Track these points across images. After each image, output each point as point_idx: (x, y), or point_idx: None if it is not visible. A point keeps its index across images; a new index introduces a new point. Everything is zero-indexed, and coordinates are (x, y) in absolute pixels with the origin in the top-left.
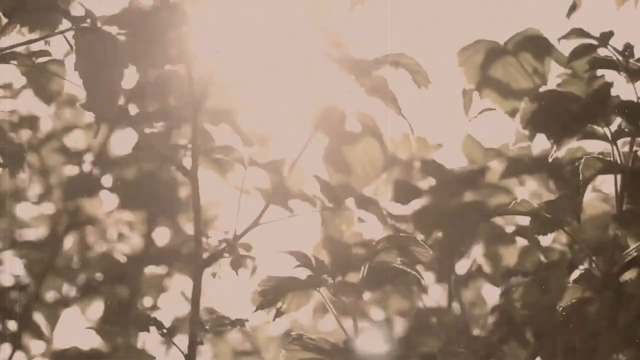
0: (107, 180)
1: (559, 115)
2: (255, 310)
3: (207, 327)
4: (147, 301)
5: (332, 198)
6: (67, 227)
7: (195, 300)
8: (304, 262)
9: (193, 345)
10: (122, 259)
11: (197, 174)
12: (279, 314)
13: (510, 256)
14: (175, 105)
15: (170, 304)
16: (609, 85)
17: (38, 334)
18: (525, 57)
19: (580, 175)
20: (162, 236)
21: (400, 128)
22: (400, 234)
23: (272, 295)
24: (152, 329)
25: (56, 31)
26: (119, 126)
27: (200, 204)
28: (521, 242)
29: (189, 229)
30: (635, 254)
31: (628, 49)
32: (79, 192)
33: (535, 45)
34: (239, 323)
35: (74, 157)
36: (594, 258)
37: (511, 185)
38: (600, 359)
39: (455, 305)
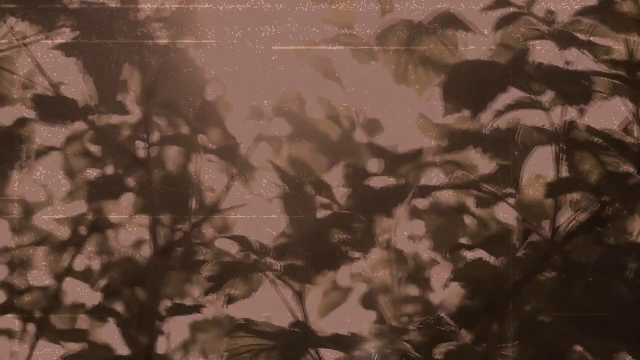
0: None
1: (474, 84)
2: (204, 296)
3: (164, 315)
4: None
5: (290, 184)
6: (89, 230)
7: (151, 289)
8: (246, 246)
9: (153, 335)
10: (143, 263)
11: (151, 163)
12: (230, 300)
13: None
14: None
15: None
16: (526, 51)
17: (55, 338)
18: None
19: (519, 146)
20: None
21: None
22: (343, 212)
23: (218, 280)
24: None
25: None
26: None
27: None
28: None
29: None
30: (577, 222)
31: (550, 14)
32: (102, 195)
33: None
34: (196, 310)
35: (98, 159)
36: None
37: (465, 160)
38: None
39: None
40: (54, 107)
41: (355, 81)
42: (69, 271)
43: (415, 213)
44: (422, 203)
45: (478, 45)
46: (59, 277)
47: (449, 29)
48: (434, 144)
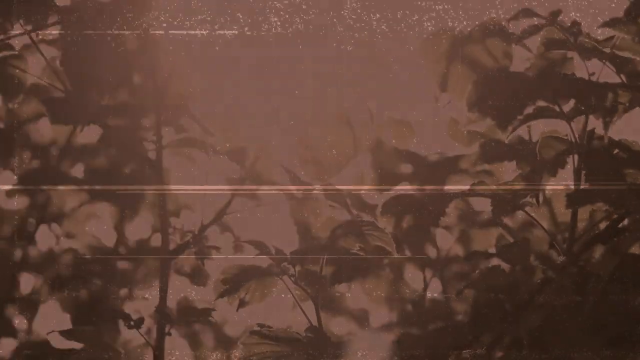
0: (76, 171)
1: (502, 95)
2: (216, 299)
3: (173, 319)
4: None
5: (300, 188)
6: (37, 221)
7: (162, 292)
8: (262, 250)
9: (161, 337)
10: (89, 254)
11: (162, 166)
12: (242, 303)
13: (483, 239)
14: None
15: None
16: (554, 62)
17: (9, 330)
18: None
19: (538, 156)
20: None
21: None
22: (360, 220)
23: (233, 283)
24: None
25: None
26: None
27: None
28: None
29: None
30: (595, 231)
31: (575, 26)
32: (45, 185)
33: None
34: (207, 313)
35: (40, 150)
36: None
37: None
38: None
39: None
40: (64, 108)
41: (383, 84)
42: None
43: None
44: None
45: (519, 56)
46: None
47: (495, 39)
48: (464, 150)
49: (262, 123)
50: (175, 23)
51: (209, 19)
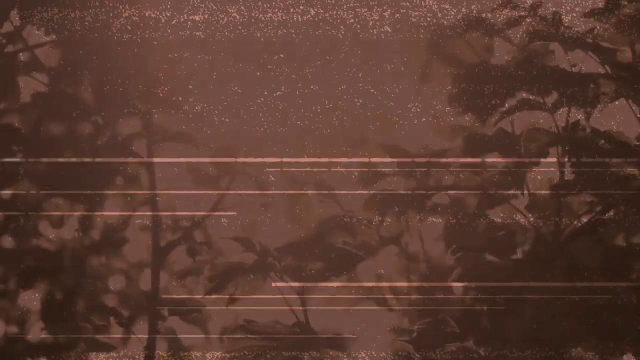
0: (40, 167)
1: (483, 88)
2: (205, 295)
3: (165, 315)
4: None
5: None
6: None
7: (153, 288)
8: (247, 246)
9: (153, 334)
10: (52, 249)
11: (153, 162)
12: (231, 300)
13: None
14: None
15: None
16: (535, 54)
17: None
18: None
19: (522, 148)
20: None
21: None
22: (349, 215)
23: (220, 279)
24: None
25: None
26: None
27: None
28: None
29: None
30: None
31: (557, 17)
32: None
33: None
34: (196, 310)
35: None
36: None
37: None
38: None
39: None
40: (56, 105)
41: (369, 79)
42: None
43: (424, 214)
44: (431, 204)
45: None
46: None
47: (475, 32)
48: (447, 144)
49: (252, 118)
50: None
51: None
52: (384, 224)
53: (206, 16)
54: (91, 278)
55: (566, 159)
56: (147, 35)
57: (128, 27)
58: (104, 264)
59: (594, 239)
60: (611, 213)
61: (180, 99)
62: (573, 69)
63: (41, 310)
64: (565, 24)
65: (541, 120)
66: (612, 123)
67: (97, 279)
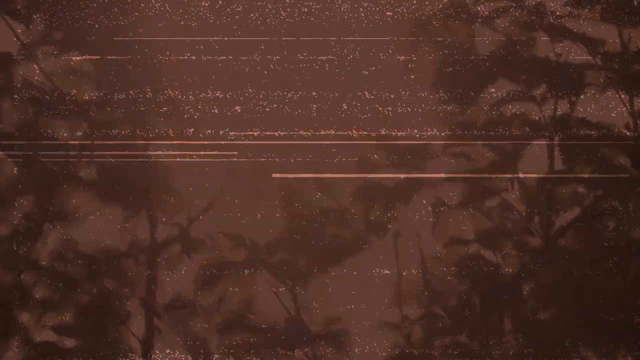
0: (87, 173)
1: (468, 78)
2: (197, 292)
3: (161, 313)
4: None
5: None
6: (42, 222)
7: (149, 286)
8: (239, 242)
9: (149, 332)
10: (100, 255)
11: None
12: (222, 297)
13: (459, 225)
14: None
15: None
16: (521, 44)
17: (19, 330)
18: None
19: (514, 139)
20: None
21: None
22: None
23: (212, 277)
24: None
25: None
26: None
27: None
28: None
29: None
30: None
31: (540, 7)
32: (56, 185)
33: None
34: (192, 305)
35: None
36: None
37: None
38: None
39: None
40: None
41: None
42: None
43: (417, 206)
44: (424, 197)
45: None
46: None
47: (460, 21)
48: (438, 134)
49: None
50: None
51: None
52: (373, 214)
53: None
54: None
55: (556, 150)
56: None
57: None
58: None
59: (586, 231)
60: (601, 205)
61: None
62: (559, 59)
63: None
64: (550, 13)
65: (534, 114)
66: (600, 113)
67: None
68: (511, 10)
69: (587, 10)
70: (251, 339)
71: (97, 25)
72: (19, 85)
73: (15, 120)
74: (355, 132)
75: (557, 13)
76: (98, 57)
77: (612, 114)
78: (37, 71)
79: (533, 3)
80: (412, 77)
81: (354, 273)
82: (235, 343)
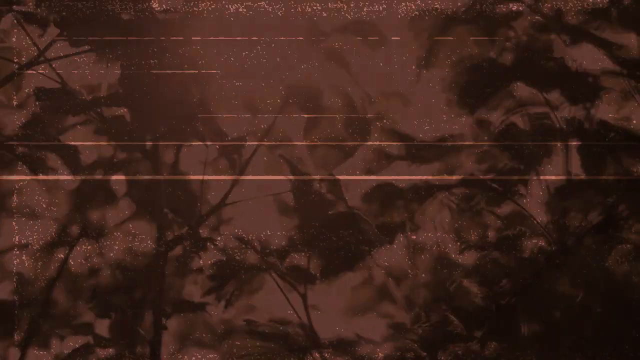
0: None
1: (478, 80)
2: (204, 295)
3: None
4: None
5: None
6: (77, 236)
7: (157, 285)
8: (247, 244)
9: (157, 331)
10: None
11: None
12: (230, 300)
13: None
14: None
15: None
16: (530, 49)
17: (45, 344)
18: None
19: (531, 144)
20: None
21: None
22: (350, 211)
23: (220, 279)
24: None
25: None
26: None
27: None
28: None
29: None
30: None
31: (557, 12)
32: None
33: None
34: (200, 308)
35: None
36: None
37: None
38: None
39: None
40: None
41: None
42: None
43: (432, 209)
44: (439, 199)
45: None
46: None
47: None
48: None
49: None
50: None
51: None
52: (387, 217)
53: None
54: None
55: (570, 155)
56: None
57: None
58: None
59: (601, 238)
60: (618, 211)
61: None
62: (575, 63)
63: None
64: (568, 18)
65: (547, 116)
66: (619, 117)
67: None
68: (527, 13)
69: (605, 15)
70: (259, 344)
71: None
72: None
73: None
74: None
75: (575, 17)
76: None
77: (633, 121)
78: None
79: (549, 6)
80: (428, 77)
81: (366, 277)
82: (243, 347)
